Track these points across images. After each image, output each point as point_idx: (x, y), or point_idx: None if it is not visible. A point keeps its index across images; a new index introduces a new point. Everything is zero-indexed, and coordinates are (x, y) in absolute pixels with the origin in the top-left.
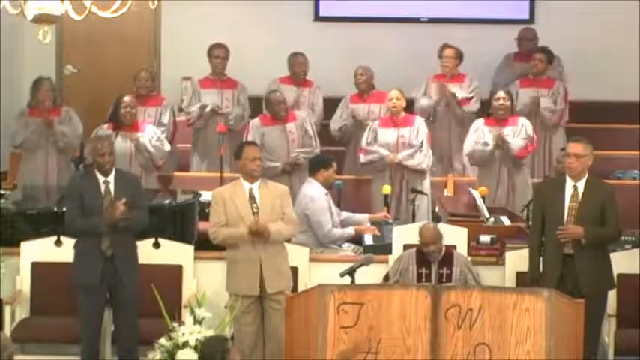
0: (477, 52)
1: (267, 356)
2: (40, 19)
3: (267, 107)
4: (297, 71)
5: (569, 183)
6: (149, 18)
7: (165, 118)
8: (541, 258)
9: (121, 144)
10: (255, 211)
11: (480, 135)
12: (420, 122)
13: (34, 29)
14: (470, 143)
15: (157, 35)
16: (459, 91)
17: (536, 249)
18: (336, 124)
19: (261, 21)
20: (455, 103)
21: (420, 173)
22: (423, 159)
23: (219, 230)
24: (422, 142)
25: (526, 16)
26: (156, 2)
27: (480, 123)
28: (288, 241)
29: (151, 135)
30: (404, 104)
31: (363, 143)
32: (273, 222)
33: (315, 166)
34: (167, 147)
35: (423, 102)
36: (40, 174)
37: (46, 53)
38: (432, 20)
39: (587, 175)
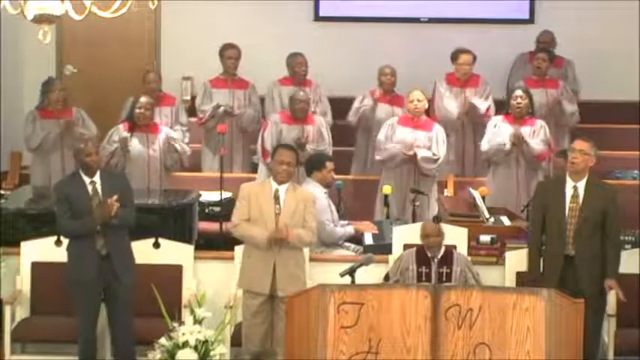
0: (477, 51)
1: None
2: (40, 19)
3: (291, 105)
4: (298, 72)
5: (569, 183)
6: (149, 18)
7: (184, 118)
8: (541, 258)
9: (137, 145)
10: (277, 212)
11: (498, 132)
12: (437, 129)
13: (34, 29)
14: (488, 140)
15: (157, 35)
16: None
17: (536, 249)
18: (355, 112)
19: (261, 21)
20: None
21: (429, 177)
22: (437, 165)
23: (242, 225)
24: (442, 154)
25: (526, 16)
26: (156, 2)
27: (498, 120)
28: None
29: (167, 137)
30: (426, 105)
31: (381, 136)
32: (293, 226)
33: (309, 167)
34: (187, 149)
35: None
36: (57, 175)
37: (46, 53)
38: (432, 20)
39: (587, 176)
